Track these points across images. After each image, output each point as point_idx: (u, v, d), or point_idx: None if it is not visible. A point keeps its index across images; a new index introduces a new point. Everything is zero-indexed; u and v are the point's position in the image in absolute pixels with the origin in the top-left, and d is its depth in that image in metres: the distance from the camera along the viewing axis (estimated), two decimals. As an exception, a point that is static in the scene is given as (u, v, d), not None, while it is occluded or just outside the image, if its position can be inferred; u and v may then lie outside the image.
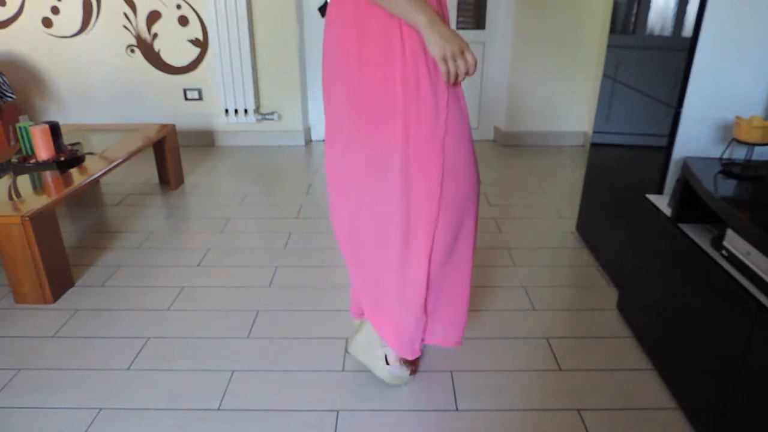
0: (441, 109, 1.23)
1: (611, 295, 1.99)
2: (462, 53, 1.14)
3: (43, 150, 2.33)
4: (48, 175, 2.22)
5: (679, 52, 1.57)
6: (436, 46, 1.13)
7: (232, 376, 1.59)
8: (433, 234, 1.31)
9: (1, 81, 3.35)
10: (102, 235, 2.50)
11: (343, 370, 1.60)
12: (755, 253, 1.18)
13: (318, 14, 3.31)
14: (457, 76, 1.18)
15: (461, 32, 3.67)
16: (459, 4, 3.62)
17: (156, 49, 3.66)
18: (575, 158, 3.57)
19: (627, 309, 1.79)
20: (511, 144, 3.86)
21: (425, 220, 1.30)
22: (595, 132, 2.25)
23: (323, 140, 3.99)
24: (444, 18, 1.24)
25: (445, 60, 1.14)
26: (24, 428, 1.40)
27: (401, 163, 1.26)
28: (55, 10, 3.56)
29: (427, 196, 1.28)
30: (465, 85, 3.81)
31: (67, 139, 2.66)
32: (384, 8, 1.16)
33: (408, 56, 1.18)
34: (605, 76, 2.13)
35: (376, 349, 1.50)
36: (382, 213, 1.33)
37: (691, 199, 1.45)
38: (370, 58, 1.21)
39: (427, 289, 1.38)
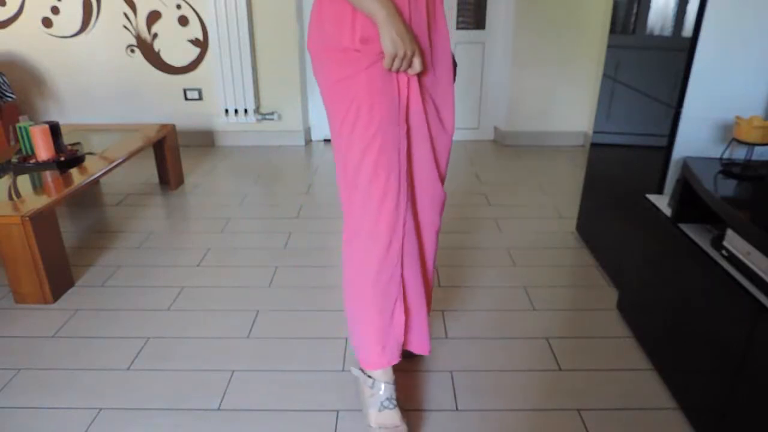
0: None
1: (611, 295, 1.99)
2: (411, 57, 1.14)
3: (43, 150, 2.33)
4: (48, 175, 2.22)
5: (679, 52, 1.57)
6: (389, 43, 1.10)
7: (232, 376, 1.58)
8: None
9: (1, 81, 3.35)
10: (102, 235, 2.50)
11: (343, 370, 1.60)
12: (755, 253, 1.18)
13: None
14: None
15: (461, 32, 3.68)
16: (459, 4, 3.62)
17: (156, 49, 3.66)
18: (575, 158, 3.57)
19: (627, 309, 1.79)
20: (511, 144, 3.86)
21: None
22: (595, 132, 2.25)
23: (324, 140, 4.02)
24: (436, 9, 1.23)
25: (393, 59, 1.13)
26: (24, 428, 1.40)
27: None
28: (55, 10, 3.56)
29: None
30: (466, 85, 3.81)
31: (67, 139, 2.66)
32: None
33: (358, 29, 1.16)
34: (605, 76, 2.13)
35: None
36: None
37: (691, 199, 1.45)
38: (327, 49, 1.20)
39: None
